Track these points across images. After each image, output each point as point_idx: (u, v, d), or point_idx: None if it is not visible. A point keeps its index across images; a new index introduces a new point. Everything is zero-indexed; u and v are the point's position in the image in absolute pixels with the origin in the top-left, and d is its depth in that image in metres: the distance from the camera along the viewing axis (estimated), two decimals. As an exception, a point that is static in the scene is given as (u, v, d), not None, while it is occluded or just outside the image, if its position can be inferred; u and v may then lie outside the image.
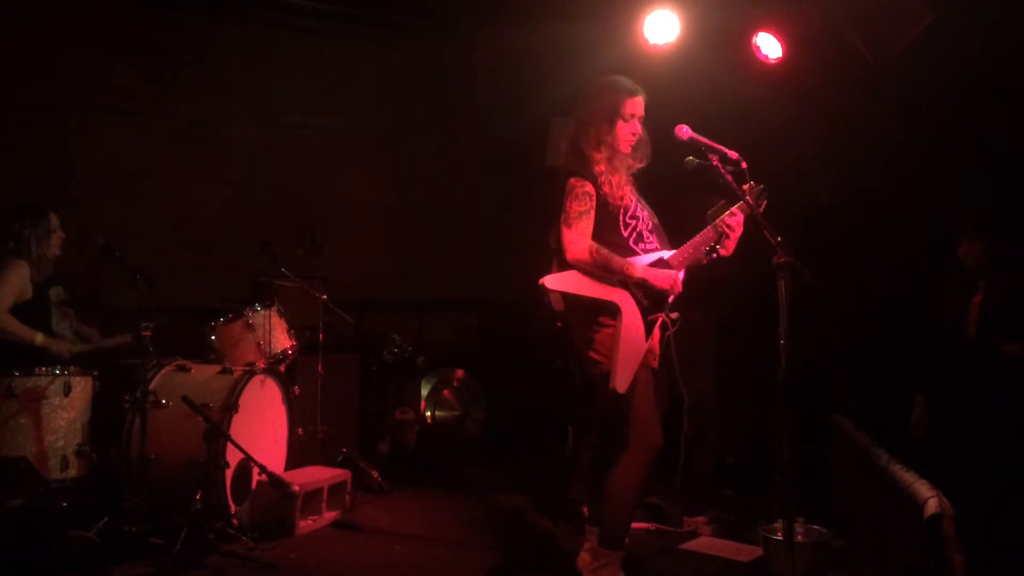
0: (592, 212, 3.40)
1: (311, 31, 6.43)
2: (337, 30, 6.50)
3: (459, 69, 6.85)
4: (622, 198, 3.45)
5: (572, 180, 3.43)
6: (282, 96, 6.38)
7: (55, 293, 4.55)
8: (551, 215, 3.52)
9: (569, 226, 3.38)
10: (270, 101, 6.34)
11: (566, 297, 3.41)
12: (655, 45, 4.95)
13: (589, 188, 3.40)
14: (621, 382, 3.29)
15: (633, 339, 3.34)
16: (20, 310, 4.35)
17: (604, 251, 3.36)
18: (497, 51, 6.64)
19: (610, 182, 3.43)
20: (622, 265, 3.36)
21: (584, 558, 3.59)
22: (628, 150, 3.51)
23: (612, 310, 3.36)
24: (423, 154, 6.87)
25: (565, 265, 3.43)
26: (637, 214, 3.51)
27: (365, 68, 6.68)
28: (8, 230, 4.44)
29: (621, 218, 3.45)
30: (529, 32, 6.07)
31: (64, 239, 4.55)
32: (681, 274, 3.48)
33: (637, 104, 3.50)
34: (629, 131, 3.49)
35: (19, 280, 4.37)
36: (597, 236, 3.40)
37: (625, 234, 3.45)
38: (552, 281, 3.40)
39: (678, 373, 3.49)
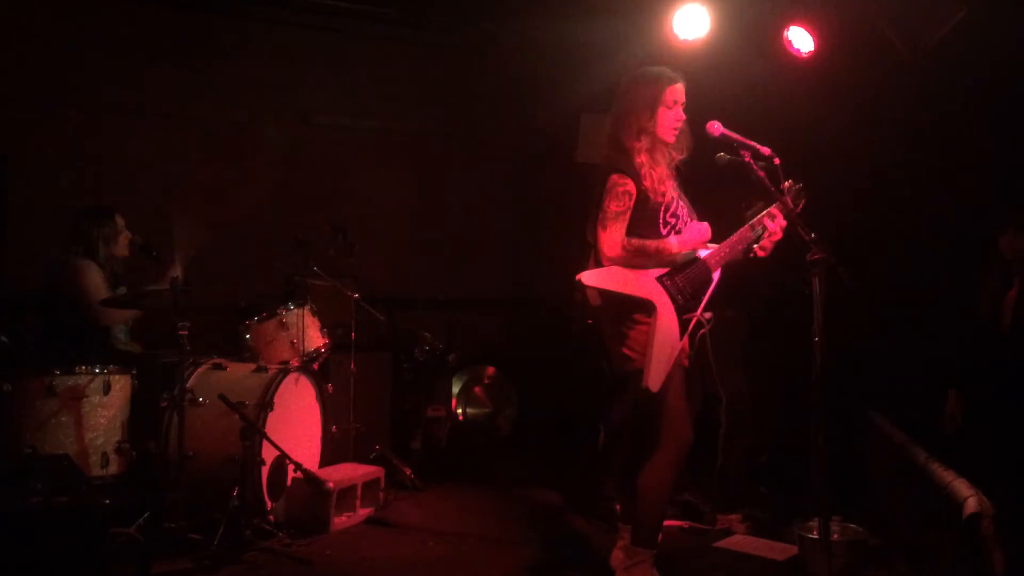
0: (629, 212, 3.36)
1: (342, 32, 6.49)
2: (368, 31, 6.55)
3: (489, 67, 6.86)
4: (663, 194, 3.41)
5: (614, 176, 3.39)
6: (314, 97, 6.44)
7: (120, 293, 4.66)
8: (590, 209, 3.49)
9: (605, 227, 3.36)
10: (302, 102, 6.41)
11: (602, 293, 3.39)
12: (685, 40, 4.93)
13: (630, 186, 3.36)
14: (654, 381, 3.28)
15: (667, 338, 3.33)
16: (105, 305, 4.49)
17: (636, 240, 3.33)
18: (527, 48, 6.64)
19: (651, 175, 3.38)
20: (658, 246, 3.35)
21: (617, 556, 3.59)
22: (672, 139, 3.46)
23: (647, 307, 3.34)
24: (453, 152, 6.90)
25: (602, 260, 3.41)
26: (677, 212, 3.47)
27: (395, 68, 6.72)
28: (77, 232, 4.57)
29: (661, 216, 3.41)
30: (559, 29, 6.06)
31: (131, 239, 4.65)
32: (716, 274, 3.46)
33: (679, 91, 3.45)
34: (673, 118, 3.44)
35: (97, 279, 4.54)
36: (635, 234, 3.36)
37: (664, 232, 3.42)
38: (589, 277, 3.38)
39: (715, 372, 3.47)
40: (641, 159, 3.40)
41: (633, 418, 3.69)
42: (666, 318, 3.34)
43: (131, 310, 4.63)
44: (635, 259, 3.36)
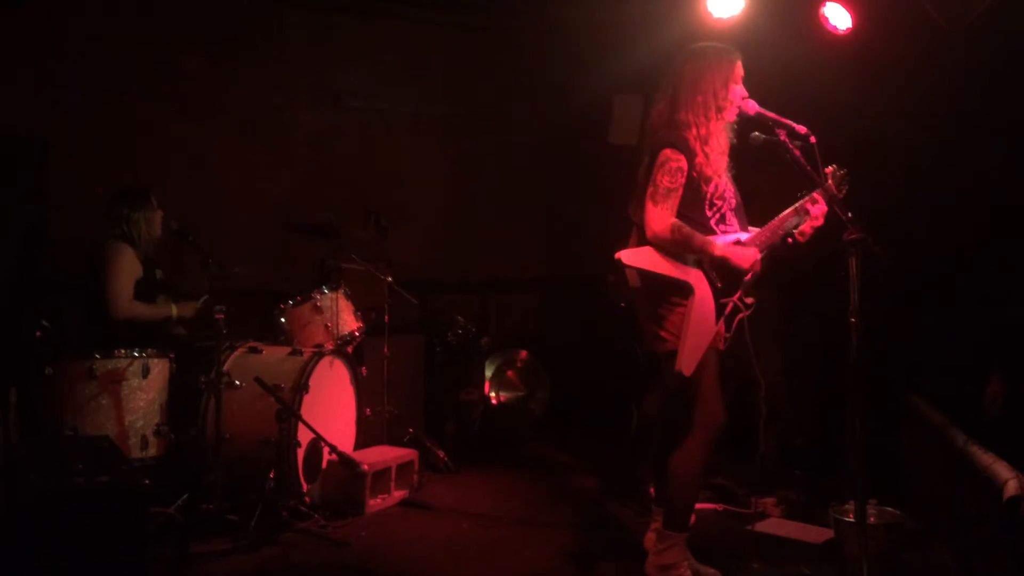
0: (680, 190, 3.30)
1: (373, 15, 6.49)
2: (399, 13, 6.55)
3: (520, 49, 6.84)
4: (716, 174, 3.35)
5: (667, 151, 3.30)
6: (346, 80, 6.46)
7: (158, 275, 4.75)
8: (634, 186, 3.44)
9: (656, 202, 3.28)
10: (334, 86, 6.43)
11: (641, 273, 3.34)
12: (719, 19, 4.86)
13: (683, 163, 3.29)
14: (687, 364, 3.25)
15: (703, 321, 3.29)
16: (138, 290, 4.57)
17: (686, 229, 3.27)
18: (559, 29, 6.60)
19: (706, 154, 3.32)
20: (703, 243, 3.29)
21: (651, 538, 3.59)
22: (733, 117, 3.40)
23: (685, 290, 3.29)
24: (486, 135, 6.89)
25: (644, 239, 3.35)
26: (724, 195, 3.41)
27: (427, 51, 6.71)
28: (116, 214, 4.64)
29: (708, 198, 3.36)
30: (591, 9, 6.02)
31: (164, 218, 4.71)
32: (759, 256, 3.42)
33: (741, 67, 3.41)
34: (739, 95, 3.38)
35: (131, 264, 4.59)
36: (680, 213, 3.30)
37: (709, 214, 3.37)
38: (628, 256, 3.32)
39: (754, 358, 3.43)
40: (700, 136, 3.33)
41: (666, 400, 3.68)
42: (703, 301, 3.30)
43: (156, 313, 4.62)
44: (677, 247, 3.29)
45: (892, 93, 4.73)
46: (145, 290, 4.62)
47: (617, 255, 3.34)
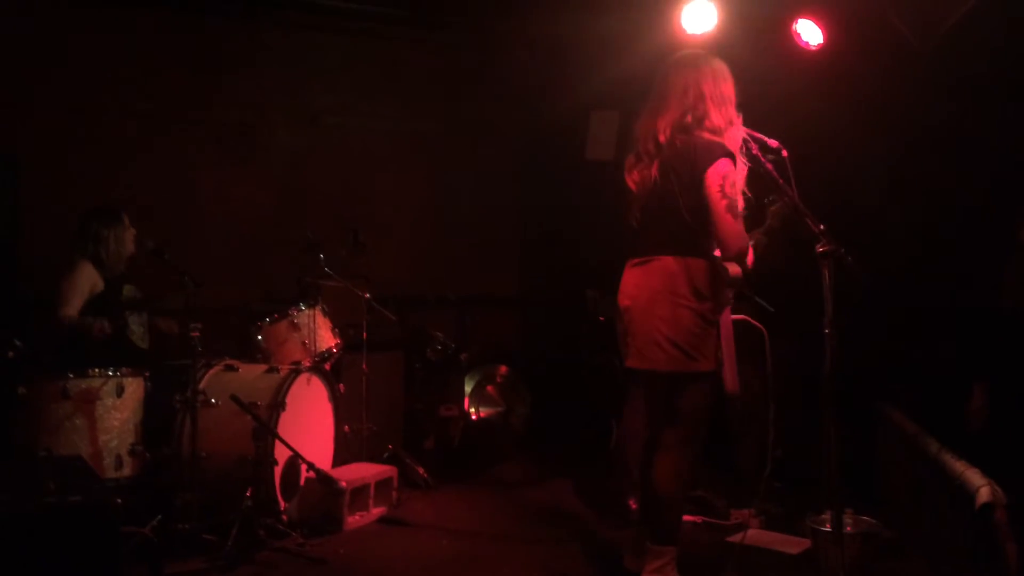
0: None
1: (350, 33, 6.50)
2: (376, 31, 6.57)
3: (498, 66, 6.88)
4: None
5: (727, 162, 3.21)
6: (323, 98, 6.46)
7: (126, 291, 4.70)
8: (669, 198, 3.30)
9: (736, 216, 3.20)
10: (312, 103, 6.43)
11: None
12: (693, 35, 4.91)
13: (744, 171, 3.30)
14: (733, 381, 3.28)
15: (729, 337, 3.35)
16: (95, 303, 4.51)
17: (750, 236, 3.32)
18: (536, 47, 6.65)
19: (738, 164, 3.33)
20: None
21: (631, 557, 3.59)
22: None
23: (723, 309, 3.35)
24: (463, 152, 6.91)
25: (728, 253, 3.27)
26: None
27: (405, 68, 6.73)
28: (87, 231, 4.60)
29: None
30: (566, 26, 6.06)
31: (135, 235, 4.68)
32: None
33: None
34: None
35: (87, 280, 4.53)
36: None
37: None
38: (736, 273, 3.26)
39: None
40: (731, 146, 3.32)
41: (651, 417, 3.57)
42: (727, 318, 3.35)
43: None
44: (741, 259, 3.28)
45: (863, 108, 4.79)
46: (102, 307, 4.53)
47: (734, 273, 3.24)
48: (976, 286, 4.43)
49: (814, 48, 4.71)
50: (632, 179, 3.46)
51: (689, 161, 3.26)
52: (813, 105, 4.79)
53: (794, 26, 4.71)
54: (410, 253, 6.63)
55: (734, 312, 3.46)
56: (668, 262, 3.30)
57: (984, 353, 4.26)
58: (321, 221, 5.75)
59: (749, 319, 3.43)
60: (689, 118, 3.32)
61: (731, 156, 3.25)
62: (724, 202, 3.19)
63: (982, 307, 4.33)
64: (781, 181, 3.30)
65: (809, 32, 4.69)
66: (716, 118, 3.32)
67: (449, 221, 6.88)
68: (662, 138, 3.35)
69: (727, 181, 3.20)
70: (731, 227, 3.20)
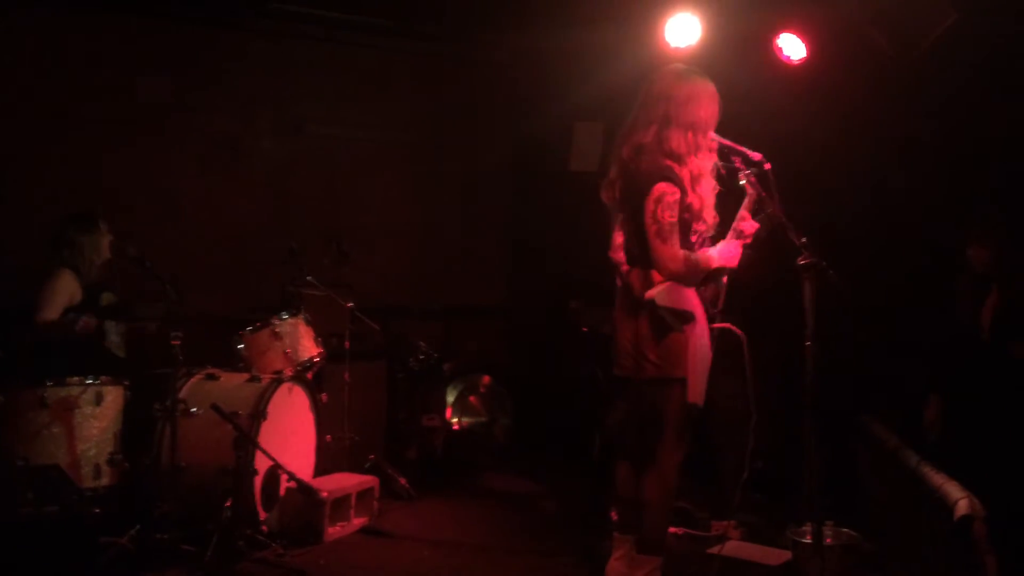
0: (678, 221, 3.29)
1: (336, 42, 6.50)
2: (362, 41, 6.56)
3: (482, 77, 6.89)
4: (702, 204, 3.36)
5: (663, 185, 3.26)
6: (308, 107, 6.45)
7: (105, 298, 4.66)
8: (629, 219, 3.41)
9: (664, 240, 3.24)
10: (297, 113, 6.41)
11: (670, 312, 3.30)
12: (676, 48, 4.94)
13: (679, 196, 3.28)
14: (699, 394, 3.29)
15: (703, 348, 3.34)
16: (74, 311, 4.48)
17: (692, 255, 3.31)
18: (520, 58, 6.67)
19: (696, 186, 3.34)
20: (707, 261, 3.35)
21: (616, 567, 3.55)
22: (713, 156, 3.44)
23: (689, 318, 3.32)
24: (448, 162, 6.91)
25: (647, 275, 3.35)
26: (706, 220, 3.43)
27: (390, 78, 6.73)
28: (63, 237, 4.57)
29: (693, 225, 3.39)
30: (551, 38, 6.09)
31: (112, 242, 4.65)
32: (724, 279, 3.49)
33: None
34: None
35: (66, 289, 4.50)
36: None
37: (693, 240, 3.41)
38: (662, 297, 3.29)
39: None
40: (691, 170, 3.34)
41: (635, 427, 3.58)
42: (701, 329, 3.34)
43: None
44: (689, 275, 3.30)
45: (844, 122, 4.84)
46: (80, 312, 4.50)
47: (648, 295, 3.30)
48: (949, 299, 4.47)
49: (797, 62, 4.76)
50: (604, 196, 3.57)
51: (637, 185, 3.35)
52: (795, 118, 4.84)
53: (777, 40, 4.76)
54: (395, 263, 6.61)
55: (714, 324, 3.45)
56: (636, 274, 3.41)
57: (940, 365, 4.30)
58: (305, 230, 5.73)
59: (732, 327, 3.42)
60: (650, 140, 3.37)
61: (670, 180, 3.27)
62: (654, 227, 3.26)
63: (945, 321, 4.37)
64: (764, 194, 3.33)
65: (792, 46, 4.73)
66: (677, 143, 3.34)
67: (434, 231, 6.88)
68: (624, 159, 3.43)
69: (660, 206, 3.26)
70: (659, 251, 3.26)
